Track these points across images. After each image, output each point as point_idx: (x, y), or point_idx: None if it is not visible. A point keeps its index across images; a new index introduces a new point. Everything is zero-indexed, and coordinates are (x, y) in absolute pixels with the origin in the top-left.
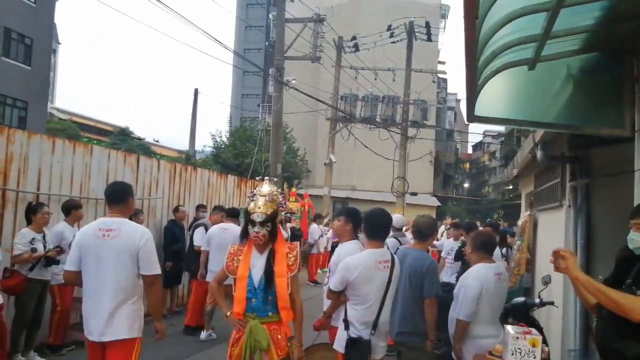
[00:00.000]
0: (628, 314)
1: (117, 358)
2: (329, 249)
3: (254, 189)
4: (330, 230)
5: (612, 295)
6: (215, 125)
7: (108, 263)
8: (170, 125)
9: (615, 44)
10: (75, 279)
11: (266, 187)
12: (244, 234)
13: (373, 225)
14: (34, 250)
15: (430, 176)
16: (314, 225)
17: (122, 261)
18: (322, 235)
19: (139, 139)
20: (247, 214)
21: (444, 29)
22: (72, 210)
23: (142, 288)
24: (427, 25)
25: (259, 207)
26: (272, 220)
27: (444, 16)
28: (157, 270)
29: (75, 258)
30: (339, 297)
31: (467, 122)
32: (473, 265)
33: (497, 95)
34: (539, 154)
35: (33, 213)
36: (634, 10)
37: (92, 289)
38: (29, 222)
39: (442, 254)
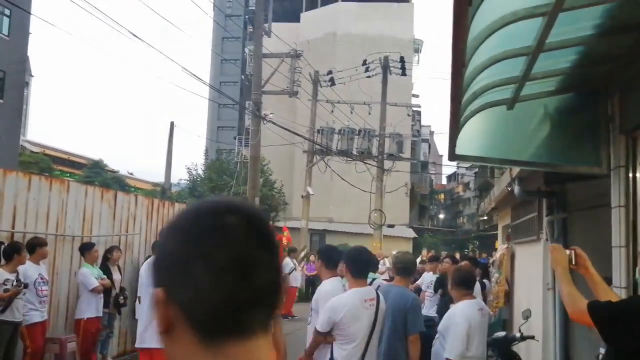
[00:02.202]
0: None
1: None
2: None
3: None
4: (306, 265)
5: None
6: (191, 158)
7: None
8: (145, 157)
9: (590, 86)
10: None
11: None
12: None
13: (356, 263)
14: (6, 291)
15: (406, 208)
16: (286, 259)
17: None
18: (294, 269)
19: (113, 171)
20: None
21: (418, 63)
22: (36, 248)
23: None
24: (402, 59)
25: None
26: None
27: (417, 50)
28: None
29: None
30: (325, 338)
31: (439, 161)
32: (456, 302)
33: (476, 133)
34: (516, 188)
35: (17, 252)
36: (607, 55)
37: (141, 307)
38: None
39: (422, 287)
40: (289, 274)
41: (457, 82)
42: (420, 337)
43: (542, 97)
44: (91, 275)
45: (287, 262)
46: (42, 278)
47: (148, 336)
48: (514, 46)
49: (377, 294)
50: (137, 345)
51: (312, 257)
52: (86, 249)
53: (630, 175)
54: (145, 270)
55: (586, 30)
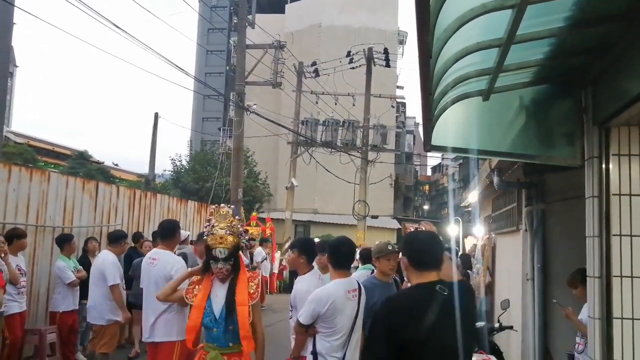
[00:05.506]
0: None
1: (160, 357)
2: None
3: (210, 217)
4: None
5: None
6: (175, 149)
7: (151, 283)
8: (129, 148)
9: (564, 77)
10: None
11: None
12: (206, 268)
13: (340, 254)
14: None
15: (391, 199)
16: (259, 248)
17: (159, 282)
18: (266, 259)
19: (98, 162)
20: (208, 249)
21: (402, 54)
22: (14, 239)
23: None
24: (386, 51)
25: (221, 243)
26: (234, 254)
27: (401, 42)
28: None
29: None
30: (307, 331)
31: (424, 152)
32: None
33: (453, 124)
34: (495, 179)
35: None
36: (580, 47)
37: (145, 301)
38: None
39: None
40: (261, 262)
41: (425, 73)
42: None
43: (518, 88)
44: (68, 268)
45: (260, 251)
46: (19, 269)
47: (157, 330)
48: (488, 37)
49: (359, 285)
50: (144, 339)
51: None
52: (65, 240)
53: (603, 166)
54: (147, 263)
55: (557, 22)
